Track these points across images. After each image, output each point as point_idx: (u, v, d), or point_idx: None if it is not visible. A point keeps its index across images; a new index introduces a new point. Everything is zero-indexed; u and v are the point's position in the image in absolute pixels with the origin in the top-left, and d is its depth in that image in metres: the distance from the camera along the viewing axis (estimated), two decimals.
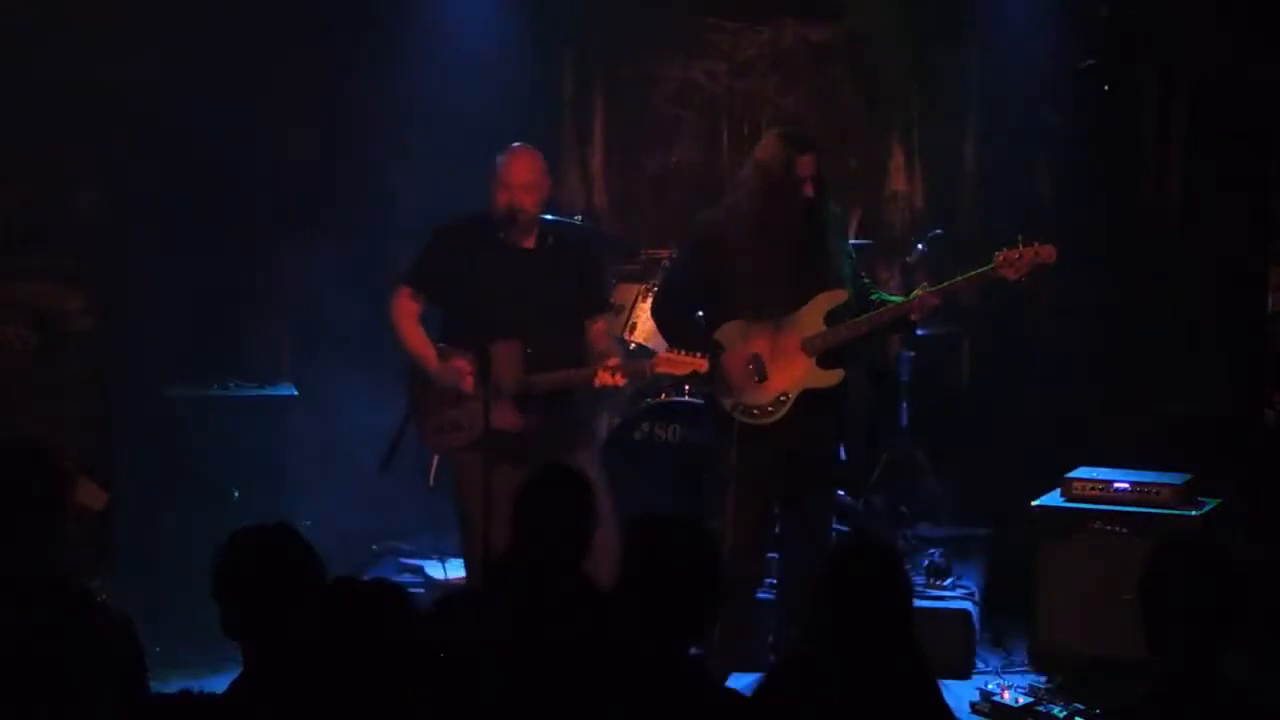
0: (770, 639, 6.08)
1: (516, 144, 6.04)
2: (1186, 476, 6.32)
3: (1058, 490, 6.39)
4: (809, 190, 5.77)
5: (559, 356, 5.88)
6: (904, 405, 7.35)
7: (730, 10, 8.29)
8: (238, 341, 7.64)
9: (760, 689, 3.71)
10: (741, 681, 5.12)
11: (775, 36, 8.26)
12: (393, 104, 7.87)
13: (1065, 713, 5.88)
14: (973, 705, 6.09)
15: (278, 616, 3.68)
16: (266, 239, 7.84)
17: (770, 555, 6.25)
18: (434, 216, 6.45)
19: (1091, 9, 7.57)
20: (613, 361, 5.85)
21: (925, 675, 3.67)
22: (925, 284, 6.09)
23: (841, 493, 6.73)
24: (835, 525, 6.37)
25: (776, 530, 6.14)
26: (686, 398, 6.93)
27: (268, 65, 7.60)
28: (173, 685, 3.82)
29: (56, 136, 7.21)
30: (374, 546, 7.52)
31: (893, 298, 6.05)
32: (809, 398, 5.84)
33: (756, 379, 5.83)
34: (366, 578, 3.56)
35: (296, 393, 7.15)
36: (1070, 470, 6.42)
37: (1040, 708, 5.94)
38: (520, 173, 5.93)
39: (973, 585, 6.90)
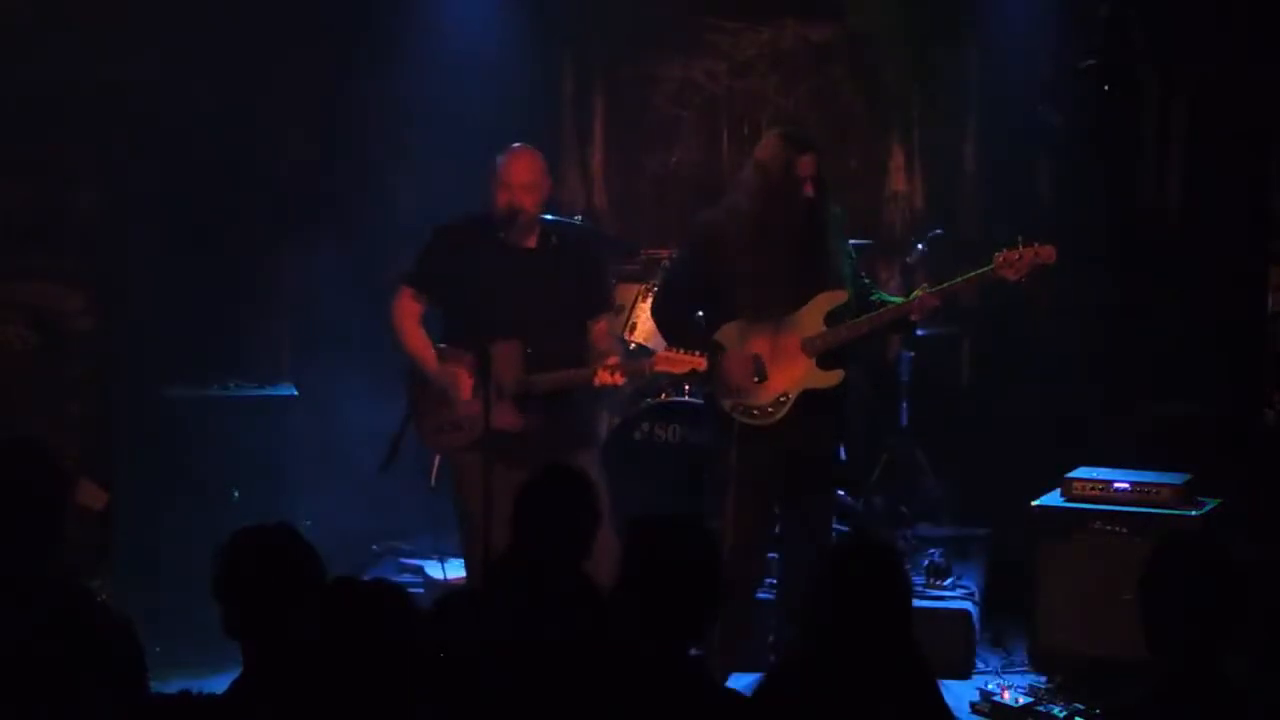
0: (770, 639, 6.08)
1: (516, 144, 6.04)
2: (1186, 476, 6.32)
3: (1058, 490, 6.39)
4: (809, 190, 5.77)
5: (560, 357, 5.88)
6: (904, 405, 7.35)
7: (730, 10, 8.29)
8: (238, 341, 7.64)
9: (760, 689, 3.71)
10: (741, 681, 5.12)
11: (775, 36, 8.26)
12: (393, 104, 7.88)
13: (1065, 713, 5.88)
14: (973, 705, 6.09)
15: (278, 616, 3.68)
16: (266, 239, 7.84)
17: (770, 555, 6.25)
18: (434, 216, 6.46)
19: (1091, 9, 7.57)
20: (612, 360, 5.85)
21: (925, 675, 3.67)
22: (925, 285, 6.09)
23: (841, 493, 6.73)
24: (835, 525, 6.37)
25: (776, 530, 6.14)
26: (686, 398, 6.93)
27: (268, 65, 7.60)
28: (173, 685, 3.82)
29: (56, 136, 7.21)
30: (374, 546, 7.52)
31: (893, 298, 6.05)
32: (809, 398, 5.84)
33: (756, 379, 5.82)
34: (366, 578, 3.55)
35: (296, 393, 7.15)
36: (1070, 470, 6.42)
37: (1040, 708, 5.94)
38: (520, 173, 5.93)
39: (973, 585, 6.90)
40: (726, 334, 5.87)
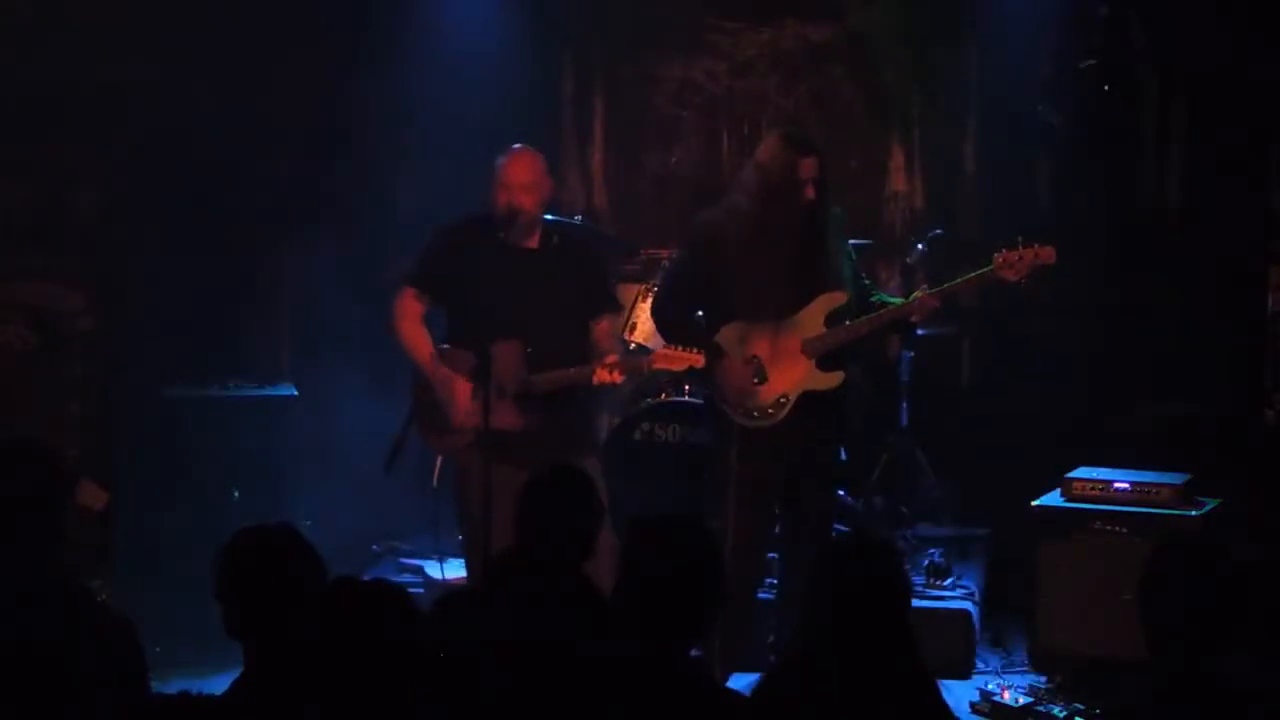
0: (770, 639, 6.08)
1: (517, 145, 6.05)
2: (1186, 476, 6.32)
3: (1058, 490, 6.39)
4: (810, 193, 5.76)
5: (561, 356, 5.88)
6: (904, 405, 7.35)
7: (730, 10, 8.29)
8: (238, 341, 7.64)
9: (759, 688, 3.70)
10: (742, 682, 5.12)
11: (775, 36, 8.26)
12: (393, 104, 7.88)
13: (1065, 713, 5.88)
14: (973, 705, 6.09)
15: (278, 616, 3.69)
16: (266, 239, 7.84)
17: (770, 555, 6.26)
18: (434, 216, 6.46)
19: (1091, 9, 7.57)
20: (610, 359, 5.85)
21: (925, 675, 3.67)
22: (925, 285, 6.10)
23: (841, 493, 6.73)
24: (835, 525, 6.37)
25: (776, 530, 6.14)
26: (686, 398, 6.93)
27: (268, 65, 7.60)
28: (173, 685, 3.82)
29: (56, 136, 7.21)
30: (374, 546, 7.52)
31: (893, 299, 6.05)
32: (809, 399, 5.84)
33: (756, 381, 5.82)
34: (366, 578, 3.55)
35: (296, 393, 7.15)
36: (1070, 470, 6.42)
37: (1040, 708, 5.95)
38: (519, 173, 5.93)
39: (973, 585, 6.90)
40: (726, 335, 5.87)
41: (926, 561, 6.91)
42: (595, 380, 5.81)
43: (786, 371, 5.84)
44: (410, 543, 7.47)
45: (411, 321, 6.07)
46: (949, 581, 6.83)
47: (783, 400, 5.84)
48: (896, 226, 8.10)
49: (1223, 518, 6.21)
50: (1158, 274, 7.66)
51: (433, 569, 6.98)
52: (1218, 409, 7.31)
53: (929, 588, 6.77)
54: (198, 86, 7.37)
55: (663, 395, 7.02)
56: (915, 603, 3.78)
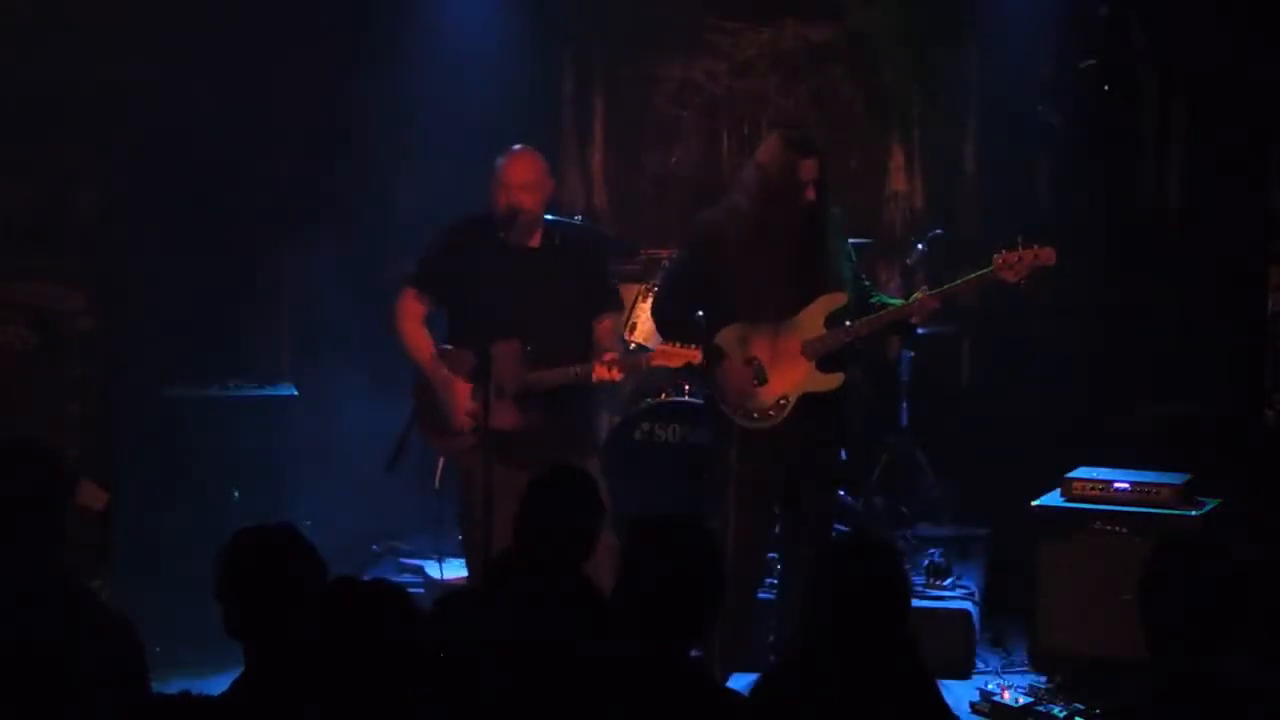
0: (770, 639, 6.08)
1: (517, 145, 6.05)
2: (1186, 476, 6.32)
3: (1058, 490, 6.39)
4: (810, 195, 5.76)
5: (561, 356, 5.89)
6: (904, 405, 7.36)
7: (730, 10, 8.29)
8: (238, 341, 7.64)
9: (758, 688, 3.70)
10: (742, 682, 5.11)
11: (775, 36, 8.26)
12: (393, 104, 7.88)
13: (1065, 713, 5.88)
14: (973, 705, 6.09)
15: (278, 616, 3.69)
16: (266, 239, 7.84)
17: (770, 555, 6.26)
18: (434, 216, 6.46)
19: (1091, 9, 7.57)
20: (609, 356, 5.86)
21: (924, 675, 3.67)
22: (925, 287, 6.09)
23: (841, 493, 6.73)
24: (835, 525, 6.37)
25: (776, 530, 6.14)
26: (686, 398, 6.93)
27: (268, 65, 7.60)
28: (173, 685, 3.82)
29: (56, 136, 7.20)
30: (374, 546, 7.52)
31: (892, 300, 6.05)
32: (809, 400, 5.84)
33: (756, 382, 5.82)
34: (366, 578, 3.56)
35: (296, 393, 7.15)
36: (1070, 470, 6.42)
37: (1040, 708, 5.95)
38: (519, 173, 5.94)
39: (973, 585, 6.90)
40: (726, 337, 5.87)
41: (926, 561, 6.91)
42: (594, 377, 5.82)
43: (786, 373, 5.84)
44: (410, 543, 7.48)
45: (412, 322, 6.08)
46: (949, 581, 6.84)
47: (783, 401, 5.84)
48: (896, 226, 8.10)
49: (1223, 518, 6.22)
50: (1158, 274, 7.66)
51: (433, 569, 6.98)
52: (1218, 409, 7.31)
53: (929, 588, 6.77)
54: (198, 86, 7.37)
55: (663, 395, 7.02)
56: (915, 603, 3.78)
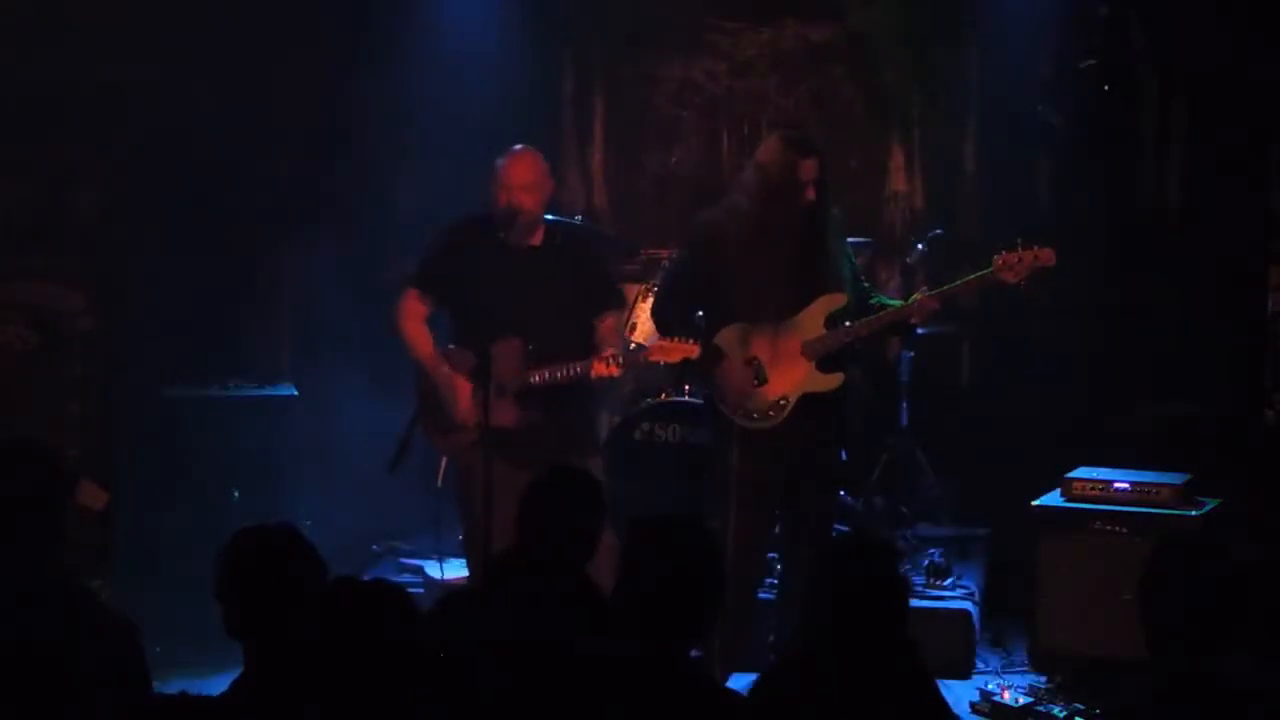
0: (770, 639, 6.08)
1: (518, 145, 6.05)
2: (1186, 476, 6.32)
3: (1058, 490, 6.39)
4: (810, 195, 5.76)
5: (562, 354, 5.89)
6: (904, 405, 7.35)
7: (730, 10, 8.29)
8: (238, 341, 7.64)
9: (757, 688, 3.71)
10: (742, 682, 5.11)
11: (775, 36, 8.26)
12: (393, 104, 7.88)
13: (1065, 713, 5.88)
14: (973, 705, 6.09)
15: (278, 616, 3.69)
16: (266, 239, 7.84)
17: (770, 555, 6.26)
18: (434, 216, 6.46)
19: (1091, 9, 7.58)
20: (609, 352, 5.87)
21: (924, 675, 3.67)
22: (925, 287, 6.10)
23: (841, 493, 6.73)
24: (835, 525, 6.36)
25: (776, 530, 6.14)
26: (686, 398, 6.93)
27: (268, 65, 7.60)
28: (173, 685, 3.83)
29: (56, 136, 7.20)
30: (374, 546, 7.52)
31: (892, 301, 6.05)
32: (809, 400, 5.84)
33: (756, 383, 5.82)
34: (366, 578, 3.56)
35: (296, 393, 7.15)
36: (1070, 470, 6.42)
37: (1040, 708, 5.95)
38: (519, 174, 5.94)
39: (973, 585, 6.90)
40: (726, 337, 5.87)
41: (926, 561, 6.91)
42: (593, 373, 5.83)
43: (786, 373, 5.84)
44: (411, 543, 7.47)
45: (414, 321, 6.10)
46: (949, 581, 6.83)
47: (783, 402, 5.83)
48: (896, 226, 8.10)
49: (1223, 518, 6.22)
50: (1158, 274, 7.66)
51: (433, 569, 6.98)
52: (1218, 409, 7.31)
53: (929, 588, 6.77)
54: (198, 86, 7.37)
55: (663, 395, 7.02)
56: (915, 603, 3.78)
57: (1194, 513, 6.18)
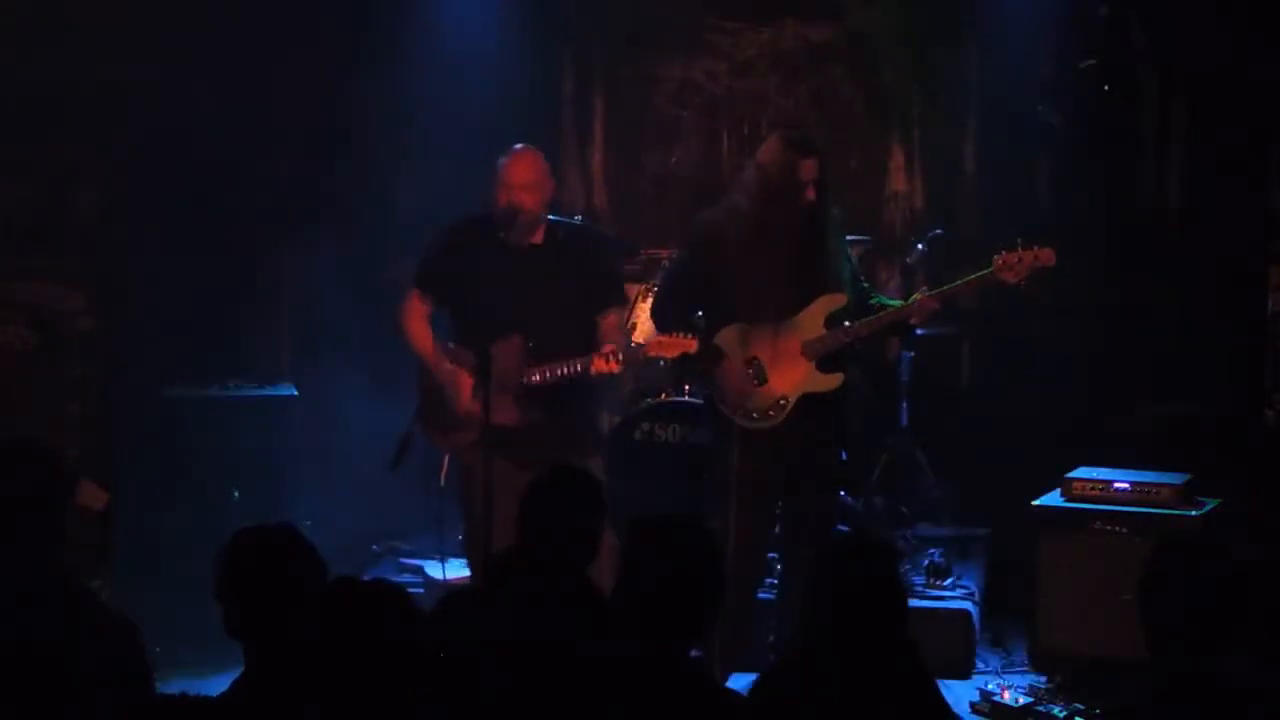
0: (770, 639, 6.08)
1: (519, 145, 6.06)
2: (1186, 476, 6.32)
3: (1058, 490, 6.39)
4: (810, 195, 5.77)
5: (563, 352, 5.90)
6: (904, 405, 7.35)
7: (730, 10, 8.29)
8: (238, 341, 7.64)
9: (757, 688, 3.71)
10: (742, 682, 5.11)
11: (775, 36, 8.27)
12: (393, 104, 7.88)
13: (1065, 713, 5.88)
14: (973, 705, 6.09)
15: (278, 616, 3.69)
16: (266, 239, 7.84)
17: (770, 555, 6.26)
18: (434, 216, 6.46)
19: (1091, 9, 7.58)
20: (608, 348, 5.87)
21: (924, 675, 3.67)
22: (925, 287, 6.10)
23: (841, 493, 6.73)
24: (835, 525, 6.36)
25: (776, 530, 6.14)
26: (686, 398, 6.93)
27: (268, 65, 7.60)
28: (173, 685, 3.83)
29: (56, 136, 7.20)
30: (374, 546, 7.52)
31: (892, 301, 6.05)
32: (809, 400, 5.84)
33: (756, 383, 5.83)
34: (366, 578, 3.56)
35: (296, 393, 7.15)
36: (1070, 470, 6.42)
37: (1040, 708, 5.95)
38: (520, 173, 5.95)
39: (973, 585, 6.90)
40: (726, 337, 5.87)
41: (926, 561, 6.91)
42: (593, 369, 5.84)
43: (786, 373, 5.84)
44: (411, 543, 7.48)
45: (417, 320, 6.12)
46: (949, 581, 6.83)
47: (782, 402, 5.84)
48: (896, 226, 8.10)
49: (1223, 518, 6.22)
50: (1158, 274, 7.66)
51: (433, 569, 6.98)
52: (1218, 409, 7.31)
53: (929, 588, 6.77)
54: (198, 86, 7.37)
55: (663, 395, 7.02)
56: (915, 603, 3.78)
57: (1194, 513, 6.18)
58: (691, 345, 5.74)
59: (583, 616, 4.15)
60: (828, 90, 8.23)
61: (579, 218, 7.68)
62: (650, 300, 6.76)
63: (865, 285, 6.08)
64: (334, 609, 3.33)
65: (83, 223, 7.29)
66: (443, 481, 6.18)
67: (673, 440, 6.94)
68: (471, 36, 7.91)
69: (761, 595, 6.24)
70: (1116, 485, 6.28)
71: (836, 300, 5.86)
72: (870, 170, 8.19)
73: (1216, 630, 3.51)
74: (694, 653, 3.83)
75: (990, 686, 6.15)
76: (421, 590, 6.71)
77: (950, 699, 3.78)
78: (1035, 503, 6.39)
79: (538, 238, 6.03)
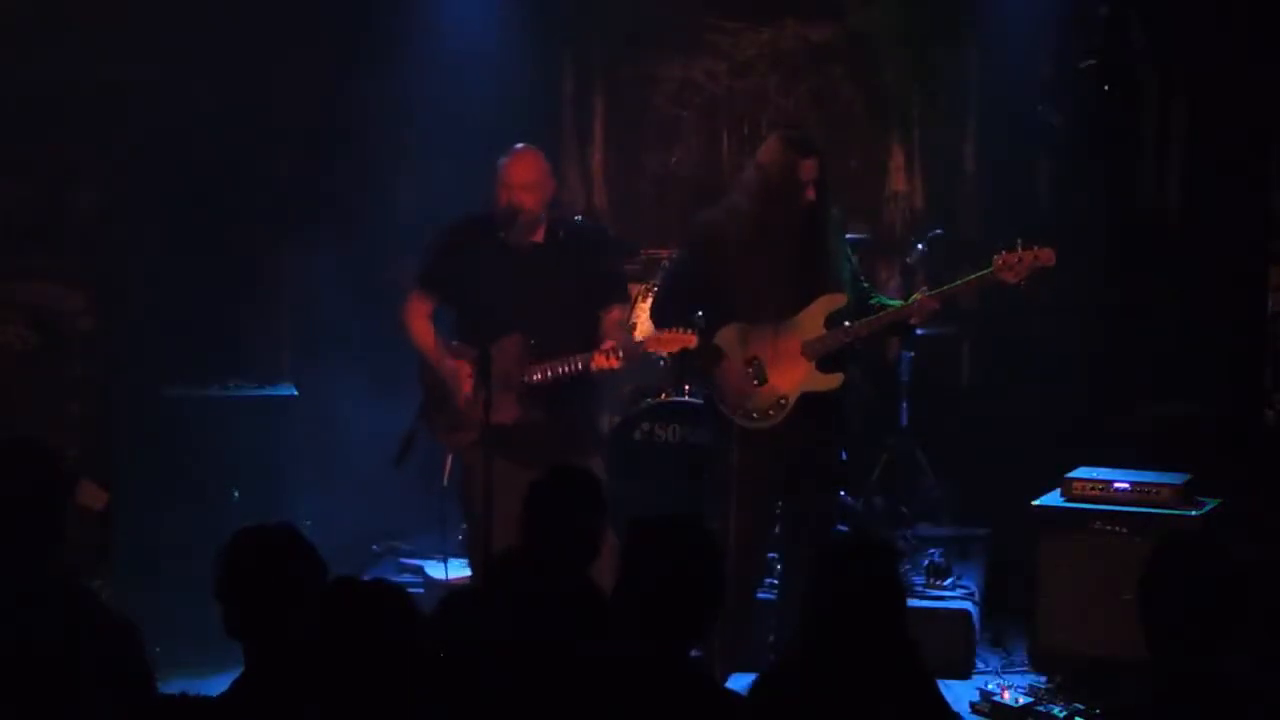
0: (770, 639, 6.08)
1: (519, 145, 6.07)
2: (1186, 476, 6.32)
3: (1058, 490, 6.39)
4: (810, 195, 5.77)
5: (564, 351, 5.91)
6: (904, 405, 7.35)
7: (730, 10, 8.30)
8: (238, 341, 7.64)
9: (757, 688, 3.70)
10: (742, 682, 5.10)
11: (775, 36, 8.27)
12: (393, 104, 7.88)
13: (1065, 713, 5.88)
14: (973, 705, 6.09)
15: (278, 616, 3.69)
16: (266, 239, 7.84)
17: (770, 555, 6.26)
18: (434, 216, 6.47)
19: (1091, 9, 7.58)
20: (608, 344, 5.88)
21: (924, 675, 3.67)
22: (925, 287, 6.10)
23: (841, 493, 6.73)
24: (835, 525, 6.36)
25: (776, 530, 6.14)
26: (686, 398, 6.93)
27: (268, 65, 7.60)
28: (173, 685, 3.83)
29: (56, 136, 7.20)
30: (374, 546, 7.52)
31: (892, 301, 6.05)
32: (809, 400, 5.85)
33: (756, 382, 5.83)
34: (366, 578, 3.56)
35: (296, 393, 7.15)
36: (1070, 470, 6.42)
37: (1040, 708, 5.95)
38: (521, 173, 5.95)
39: (973, 585, 6.90)
40: (726, 337, 5.87)
41: (926, 561, 6.91)
42: (594, 366, 5.84)
43: (786, 373, 5.84)
44: (410, 543, 7.48)
45: (419, 319, 6.13)
46: (949, 581, 6.83)
47: (782, 401, 5.84)
48: (896, 226, 8.10)
49: (1223, 518, 6.22)
50: (1158, 274, 7.66)
51: (432, 569, 6.98)
52: (1218, 409, 7.31)
53: (929, 588, 6.77)
54: (198, 86, 7.37)
55: (663, 395, 7.02)
56: (915, 603, 3.78)
57: (1194, 513, 6.18)
58: (690, 340, 5.74)
59: (583, 616, 4.15)
60: (828, 90, 8.23)
61: (579, 218, 7.68)
62: (650, 300, 6.76)
63: (865, 285, 6.08)
64: (334, 609, 3.33)
65: (83, 223, 7.28)
66: (446, 481, 6.18)
67: (673, 440, 6.94)
68: (471, 36, 7.91)
69: (761, 595, 6.24)
70: (1116, 485, 6.28)
71: (836, 300, 5.86)
72: (870, 170, 8.19)
73: (1216, 630, 3.51)
74: (694, 653, 3.83)
75: (990, 686, 6.15)
76: (421, 590, 6.71)
77: (950, 699, 3.78)
78: (1035, 503, 6.39)
79: (538, 237, 6.03)
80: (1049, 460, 6.66)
